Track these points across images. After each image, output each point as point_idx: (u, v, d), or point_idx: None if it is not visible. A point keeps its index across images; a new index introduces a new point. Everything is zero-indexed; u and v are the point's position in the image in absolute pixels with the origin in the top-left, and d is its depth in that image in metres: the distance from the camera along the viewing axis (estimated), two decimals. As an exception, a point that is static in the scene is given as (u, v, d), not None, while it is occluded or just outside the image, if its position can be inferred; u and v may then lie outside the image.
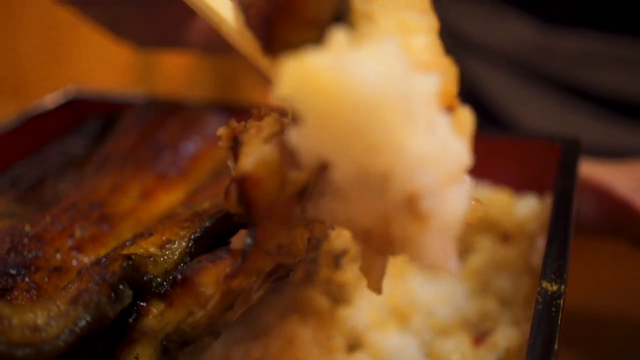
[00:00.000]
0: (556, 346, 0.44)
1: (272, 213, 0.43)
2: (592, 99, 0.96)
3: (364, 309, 0.61)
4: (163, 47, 0.78)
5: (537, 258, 0.61)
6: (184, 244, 0.49)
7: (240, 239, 0.45)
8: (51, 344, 0.41)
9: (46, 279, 0.51)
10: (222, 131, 0.48)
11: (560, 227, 0.54)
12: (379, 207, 0.38)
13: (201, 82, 1.55)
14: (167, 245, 0.49)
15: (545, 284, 0.48)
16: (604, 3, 0.92)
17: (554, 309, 0.46)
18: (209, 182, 0.67)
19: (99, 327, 0.43)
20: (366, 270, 0.44)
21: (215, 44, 0.71)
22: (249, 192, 0.42)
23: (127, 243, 0.50)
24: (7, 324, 0.40)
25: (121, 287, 0.45)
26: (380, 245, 0.40)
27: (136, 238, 0.51)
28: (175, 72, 1.58)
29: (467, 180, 0.38)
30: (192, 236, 0.50)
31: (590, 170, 0.72)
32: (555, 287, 0.48)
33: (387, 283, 0.61)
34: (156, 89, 1.52)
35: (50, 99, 0.81)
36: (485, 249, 0.66)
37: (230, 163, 0.48)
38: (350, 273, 0.62)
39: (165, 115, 0.75)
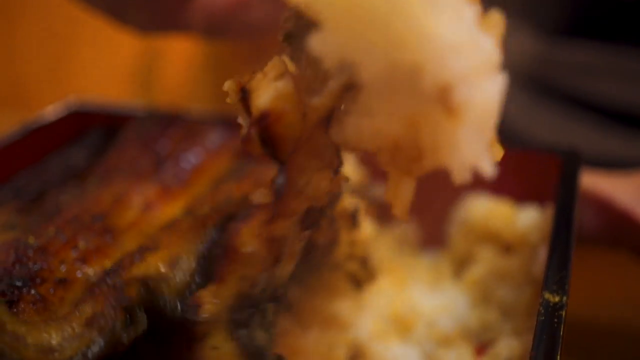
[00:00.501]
0: (558, 357, 0.44)
1: (299, 146, 0.42)
2: (595, 110, 0.96)
3: (365, 319, 0.61)
4: (164, 31, 0.77)
5: (538, 269, 0.61)
6: (193, 264, 0.49)
7: (259, 195, 0.44)
8: None
9: (51, 291, 0.51)
10: (228, 85, 0.46)
11: (561, 238, 0.54)
12: (409, 108, 0.36)
13: (201, 94, 1.55)
14: (177, 264, 0.49)
15: (547, 295, 0.49)
16: (607, 15, 0.92)
17: (556, 320, 0.47)
18: (210, 193, 0.68)
19: (113, 352, 0.43)
20: (393, 196, 0.42)
21: (216, 26, 0.70)
22: (272, 129, 0.41)
23: (135, 258, 0.50)
24: (22, 343, 0.40)
25: (138, 312, 0.45)
26: (409, 160, 0.38)
27: (143, 252, 0.51)
28: (175, 84, 1.58)
29: (499, 76, 0.36)
30: (200, 253, 0.50)
31: (591, 181, 0.72)
32: (557, 298, 0.48)
33: (388, 293, 0.62)
34: (156, 100, 1.52)
35: (51, 111, 0.81)
36: (487, 260, 0.66)
37: (241, 117, 0.46)
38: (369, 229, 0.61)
39: (166, 127, 0.75)
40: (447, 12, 0.34)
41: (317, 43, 0.35)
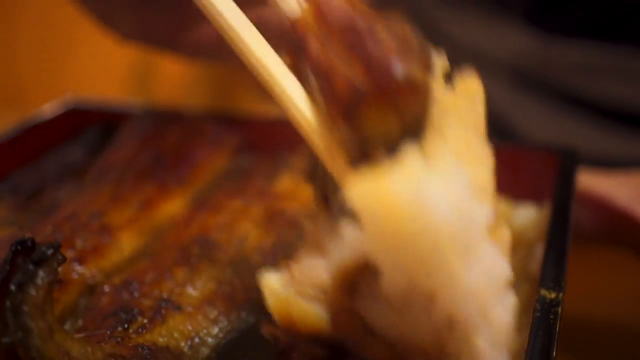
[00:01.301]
0: (554, 353, 0.44)
1: None
2: (592, 109, 0.96)
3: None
4: (154, 47, 0.77)
5: (535, 266, 0.61)
6: (210, 351, 0.50)
7: None
8: None
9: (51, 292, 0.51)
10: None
11: (558, 236, 0.54)
12: (426, 324, 0.39)
13: (199, 91, 1.55)
14: (195, 342, 0.49)
15: (543, 292, 0.48)
16: (604, 14, 0.92)
17: (552, 317, 0.46)
18: (209, 191, 0.68)
19: None
20: None
21: (221, 53, 0.70)
22: None
23: (157, 314, 0.50)
24: (56, 340, 0.41)
25: None
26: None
27: (166, 307, 0.51)
28: (173, 82, 1.58)
29: (510, 294, 0.40)
30: (222, 342, 0.50)
31: (589, 180, 0.72)
32: (553, 295, 0.48)
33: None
34: (154, 98, 1.52)
35: (49, 108, 0.81)
36: (484, 257, 0.66)
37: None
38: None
39: (164, 125, 0.75)
40: (474, 255, 0.38)
41: (353, 236, 0.39)
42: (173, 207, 0.64)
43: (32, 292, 0.40)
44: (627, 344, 0.75)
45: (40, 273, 0.40)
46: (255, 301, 0.53)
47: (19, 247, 0.41)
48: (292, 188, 0.66)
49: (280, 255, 0.57)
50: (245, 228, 0.59)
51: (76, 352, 0.42)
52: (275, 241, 0.59)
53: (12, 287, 0.40)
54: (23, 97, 1.61)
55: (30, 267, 0.40)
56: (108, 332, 0.47)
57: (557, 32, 0.94)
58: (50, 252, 0.40)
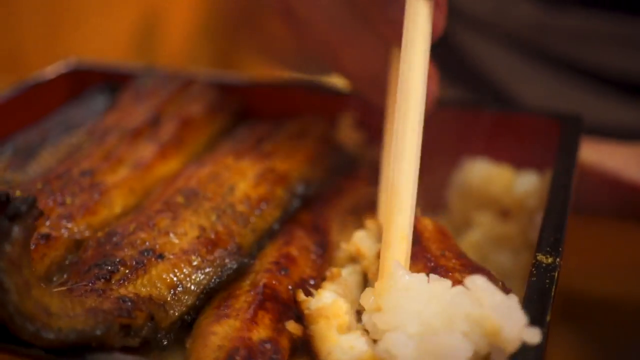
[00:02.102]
0: (549, 317, 0.43)
1: None
2: (593, 77, 0.96)
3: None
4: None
5: (535, 233, 0.60)
6: (195, 299, 0.49)
7: None
8: (55, 332, 0.41)
9: (33, 247, 0.50)
10: (290, 328, 0.48)
11: (557, 202, 0.53)
12: None
13: (200, 57, 1.55)
14: (179, 291, 0.49)
15: (540, 257, 0.48)
16: None
17: (547, 281, 0.46)
18: (204, 153, 0.67)
19: (101, 344, 0.43)
20: None
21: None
22: None
23: (139, 264, 0.49)
24: (27, 294, 0.40)
25: (132, 330, 0.45)
26: None
27: (147, 258, 0.50)
28: (174, 47, 1.57)
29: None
30: (205, 289, 0.50)
31: (598, 154, 0.71)
32: (550, 260, 0.48)
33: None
34: (155, 63, 1.51)
35: (51, 70, 0.81)
36: (485, 224, 0.65)
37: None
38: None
39: (164, 86, 0.75)
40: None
41: None
42: (168, 168, 0.64)
43: (7, 248, 0.39)
44: (629, 317, 0.74)
45: (15, 229, 0.39)
46: (238, 247, 0.53)
47: (-8, 203, 0.40)
48: (286, 149, 0.65)
49: (266, 207, 0.57)
50: (233, 180, 0.59)
51: (55, 307, 0.41)
52: (263, 194, 0.58)
53: (-14, 244, 0.39)
54: (24, 61, 1.60)
55: (5, 223, 0.39)
56: (90, 285, 0.46)
57: (559, 1, 0.93)
58: (24, 207, 0.39)
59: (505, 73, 1.03)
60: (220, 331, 0.46)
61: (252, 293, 0.50)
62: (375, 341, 0.45)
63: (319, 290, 0.49)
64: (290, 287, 0.51)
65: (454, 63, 1.08)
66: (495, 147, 0.69)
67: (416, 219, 0.52)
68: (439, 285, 0.45)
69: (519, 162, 0.68)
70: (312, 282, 0.52)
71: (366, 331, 0.46)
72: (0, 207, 0.39)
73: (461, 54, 1.07)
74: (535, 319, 0.42)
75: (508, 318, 0.41)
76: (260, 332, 0.47)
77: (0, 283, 0.39)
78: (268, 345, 0.46)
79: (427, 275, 0.46)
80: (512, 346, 0.41)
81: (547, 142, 0.65)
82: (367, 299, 0.46)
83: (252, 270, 0.53)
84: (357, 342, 0.45)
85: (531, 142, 0.68)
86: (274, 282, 0.51)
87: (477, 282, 0.43)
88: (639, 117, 0.95)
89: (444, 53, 1.08)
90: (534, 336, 0.41)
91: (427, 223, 0.54)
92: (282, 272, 0.52)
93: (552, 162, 0.61)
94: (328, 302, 0.47)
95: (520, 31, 0.98)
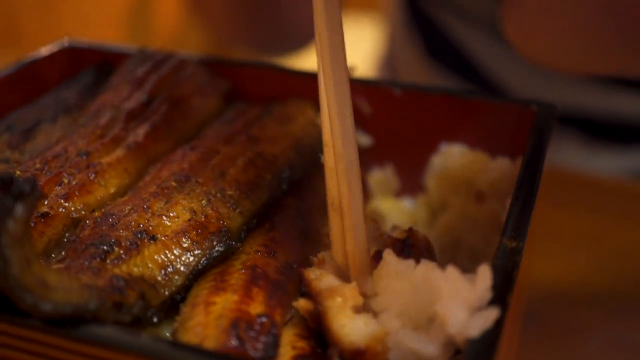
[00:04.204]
0: (510, 300, 0.46)
1: None
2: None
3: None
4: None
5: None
6: (184, 280, 0.52)
7: None
8: (52, 304, 0.44)
9: (32, 224, 0.53)
10: (300, 305, 0.51)
11: (525, 187, 0.56)
12: None
13: (193, 39, 1.56)
14: (169, 271, 0.52)
15: (505, 241, 0.50)
16: None
17: (511, 265, 0.48)
18: (196, 134, 0.70)
19: (95, 319, 0.46)
20: None
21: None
22: None
23: (132, 244, 0.52)
24: (25, 268, 0.43)
25: (124, 307, 0.48)
26: None
27: (141, 237, 0.53)
28: (167, 28, 1.58)
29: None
30: (194, 270, 0.53)
31: None
32: (514, 244, 0.50)
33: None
34: (149, 45, 1.52)
35: (46, 49, 0.83)
36: (458, 207, 0.68)
37: (309, 319, 0.51)
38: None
39: (158, 66, 0.77)
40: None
41: None
42: (161, 148, 0.66)
43: (11, 225, 0.42)
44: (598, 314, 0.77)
45: (19, 207, 0.42)
46: (226, 230, 0.56)
47: (-2, 183, 0.43)
48: (274, 135, 0.68)
49: (255, 191, 0.60)
50: (224, 166, 0.61)
51: (53, 281, 0.44)
52: (252, 179, 0.61)
53: (-9, 221, 0.42)
54: (19, 40, 1.61)
55: (9, 201, 0.42)
56: (86, 263, 0.50)
57: None
58: (27, 187, 0.42)
59: (489, 59, 1.04)
60: (219, 302, 0.50)
61: (244, 272, 0.53)
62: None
63: (321, 272, 0.52)
64: (278, 268, 0.55)
65: (444, 52, 1.10)
66: (473, 133, 0.72)
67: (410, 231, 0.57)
68: (424, 269, 0.48)
69: (495, 148, 0.70)
70: (295, 266, 0.56)
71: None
72: (4, 187, 0.42)
73: (451, 43, 1.08)
74: (496, 300, 0.45)
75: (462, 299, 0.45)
76: (257, 307, 0.50)
77: (4, 256, 0.42)
78: (265, 319, 0.49)
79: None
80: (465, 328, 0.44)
81: (522, 129, 0.68)
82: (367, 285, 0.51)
83: (242, 252, 0.56)
84: (371, 320, 0.48)
85: (507, 129, 0.70)
86: (263, 262, 0.54)
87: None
88: (623, 104, 0.97)
89: (435, 42, 1.10)
90: (493, 314, 0.44)
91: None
92: (271, 255, 0.56)
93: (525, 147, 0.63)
94: (339, 283, 0.51)
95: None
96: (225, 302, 0.50)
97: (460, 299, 0.45)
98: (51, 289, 0.44)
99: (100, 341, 0.43)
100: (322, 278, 0.51)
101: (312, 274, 0.52)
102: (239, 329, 0.47)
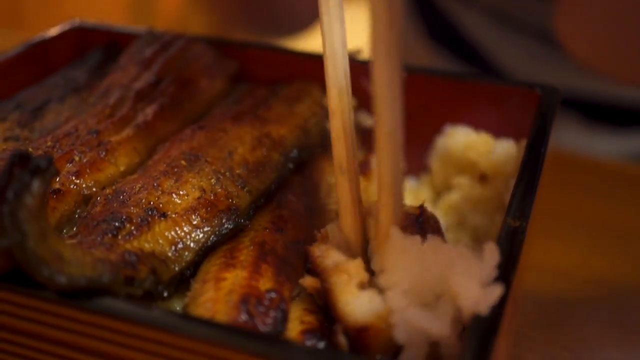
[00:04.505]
0: (513, 278, 0.47)
1: None
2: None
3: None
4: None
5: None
6: (194, 256, 0.53)
7: None
8: (66, 276, 0.45)
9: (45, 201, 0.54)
10: (307, 283, 0.52)
11: (529, 168, 0.57)
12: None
13: (196, 20, 1.56)
14: (179, 247, 0.53)
15: (509, 220, 0.51)
16: None
17: (514, 244, 0.49)
18: (204, 114, 0.70)
19: (108, 292, 0.47)
20: None
21: None
22: (366, 341, 0.48)
23: (143, 221, 0.53)
24: (41, 238, 0.44)
25: (136, 282, 0.49)
26: None
27: (152, 214, 0.54)
28: (173, 11, 1.58)
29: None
30: (204, 246, 0.54)
31: None
32: (517, 224, 0.51)
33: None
34: (153, 26, 1.52)
35: (55, 29, 0.83)
36: (464, 188, 0.69)
37: (316, 296, 0.52)
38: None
39: (166, 47, 0.78)
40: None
41: None
42: (169, 128, 0.67)
43: (28, 199, 0.43)
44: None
45: (35, 183, 0.43)
46: (235, 208, 0.57)
47: (16, 159, 0.44)
48: (282, 115, 0.69)
49: (263, 170, 0.61)
50: (233, 145, 0.62)
51: (68, 255, 0.45)
52: (260, 159, 0.62)
53: (10, 195, 0.43)
54: (22, 22, 1.61)
55: (27, 177, 0.43)
56: (98, 239, 0.51)
57: None
58: (44, 164, 0.43)
59: (491, 43, 1.05)
60: (229, 277, 0.51)
61: (252, 248, 0.54)
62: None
63: (326, 248, 0.53)
64: (285, 244, 0.56)
65: (445, 35, 1.10)
66: (477, 116, 0.73)
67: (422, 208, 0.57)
68: (434, 245, 0.49)
69: (498, 130, 0.71)
70: (302, 242, 0.57)
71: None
72: (21, 162, 0.43)
73: (452, 26, 1.09)
74: (500, 277, 0.46)
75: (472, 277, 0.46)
76: (266, 283, 0.51)
77: (21, 230, 0.43)
78: (274, 295, 0.50)
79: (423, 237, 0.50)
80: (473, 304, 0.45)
81: (525, 112, 0.69)
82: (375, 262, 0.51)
83: (251, 229, 0.57)
84: (376, 297, 0.49)
85: (510, 112, 0.71)
86: (271, 239, 0.55)
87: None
88: (624, 87, 0.98)
89: (437, 26, 1.10)
90: (497, 290, 0.45)
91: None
92: (279, 231, 0.57)
93: (529, 129, 0.64)
94: (344, 259, 0.52)
95: (504, 2, 1.00)
96: (235, 278, 0.51)
97: (473, 275, 0.46)
98: (66, 262, 0.45)
99: (113, 313, 0.44)
100: (327, 255, 0.52)
101: (317, 250, 0.53)
102: (249, 305, 0.48)
